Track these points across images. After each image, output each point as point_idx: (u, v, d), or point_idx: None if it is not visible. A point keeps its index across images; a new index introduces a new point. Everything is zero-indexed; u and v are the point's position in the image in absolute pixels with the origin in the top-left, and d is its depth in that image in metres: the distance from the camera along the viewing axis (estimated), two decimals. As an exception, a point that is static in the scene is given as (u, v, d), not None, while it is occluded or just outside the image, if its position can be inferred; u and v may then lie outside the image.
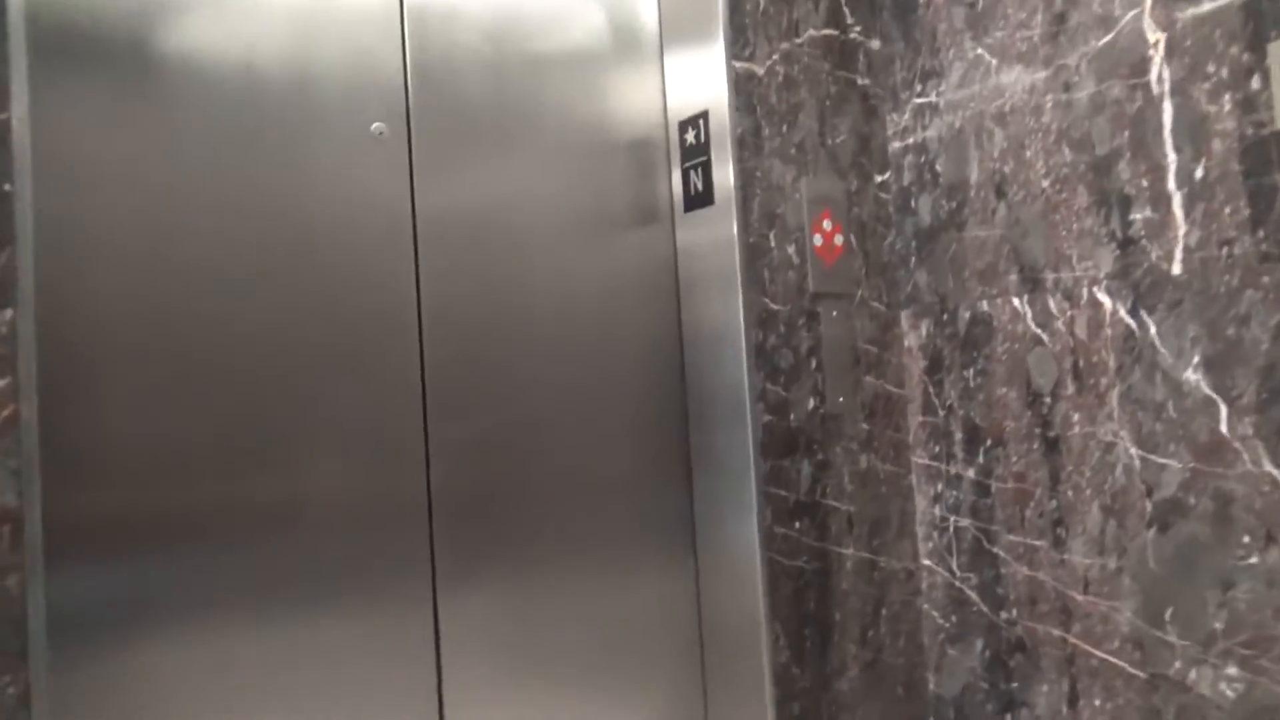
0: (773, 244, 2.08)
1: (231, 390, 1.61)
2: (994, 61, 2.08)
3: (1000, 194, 2.07)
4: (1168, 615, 1.76)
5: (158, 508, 1.52)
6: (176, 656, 1.53)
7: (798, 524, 2.07)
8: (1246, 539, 1.63)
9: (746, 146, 2.05)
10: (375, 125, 1.78)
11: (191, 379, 1.57)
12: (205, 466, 1.58)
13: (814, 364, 2.13)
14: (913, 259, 2.30)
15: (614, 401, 2.06)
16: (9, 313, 1.29)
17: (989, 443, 2.13)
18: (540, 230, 1.99)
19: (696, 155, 2.09)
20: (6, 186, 1.30)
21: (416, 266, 1.82)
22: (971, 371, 2.17)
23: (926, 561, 2.29)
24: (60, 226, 1.43)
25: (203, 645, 1.56)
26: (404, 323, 1.81)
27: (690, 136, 2.10)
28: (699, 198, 2.08)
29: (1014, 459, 2.07)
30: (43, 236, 1.39)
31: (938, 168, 2.22)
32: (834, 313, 2.17)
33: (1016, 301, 2.05)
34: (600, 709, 1.99)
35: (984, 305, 2.14)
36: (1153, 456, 1.78)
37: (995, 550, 2.12)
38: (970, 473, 2.18)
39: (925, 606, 2.30)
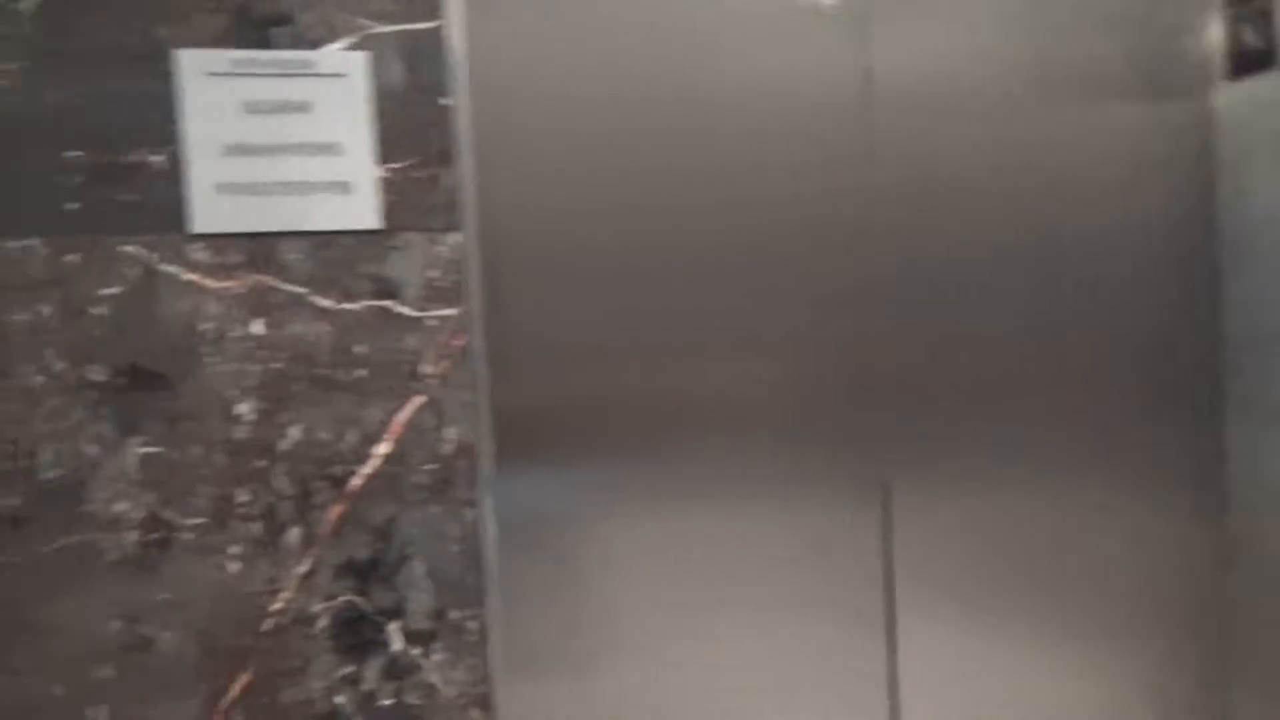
0: (1371, 114, 1.47)
1: (678, 292, 1.46)
2: None
3: None
4: None
5: (605, 425, 1.44)
6: (627, 579, 1.46)
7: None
8: None
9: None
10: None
11: (636, 284, 1.45)
12: (653, 372, 1.46)
13: None
14: None
15: (1106, 316, 1.62)
16: (456, 236, 1.23)
17: None
18: (1014, 102, 1.57)
19: (1252, -3, 1.52)
20: (444, 100, 1.23)
21: (872, 147, 1.53)
22: None
23: None
24: (498, 139, 1.35)
25: (649, 567, 1.47)
26: (859, 213, 1.53)
27: (1244, -29, 1.53)
28: (1254, 58, 1.53)
29: None
30: (483, 152, 1.32)
31: None
32: None
33: None
34: (1075, 654, 1.63)
35: None
36: None
37: None
38: None
39: None
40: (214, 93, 1.22)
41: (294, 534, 1.19)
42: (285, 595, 1.18)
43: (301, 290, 1.20)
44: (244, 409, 1.18)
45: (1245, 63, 1.55)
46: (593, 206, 1.43)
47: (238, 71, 1.23)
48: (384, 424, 1.21)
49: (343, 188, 1.23)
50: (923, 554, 1.58)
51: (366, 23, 1.24)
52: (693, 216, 1.46)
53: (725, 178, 1.48)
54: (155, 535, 1.15)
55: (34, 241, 1.14)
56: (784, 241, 1.51)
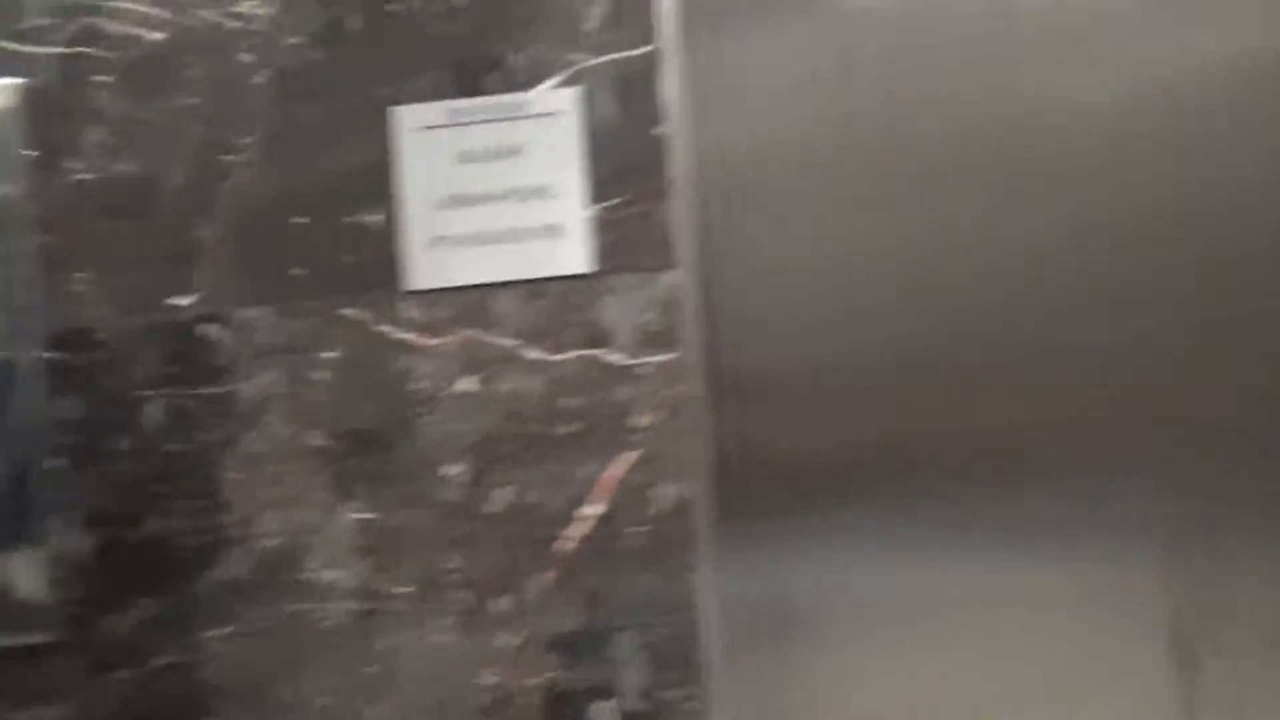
0: None
1: (927, 314, 1.25)
2: None
3: None
4: None
5: (847, 463, 1.25)
6: (878, 647, 1.25)
7: None
8: None
9: None
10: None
11: (881, 306, 1.26)
12: (914, 402, 1.26)
13: None
14: None
15: None
16: (673, 275, 1.13)
17: None
18: None
19: None
20: (657, 130, 1.13)
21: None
22: None
23: None
24: (723, 167, 1.23)
25: (910, 616, 1.25)
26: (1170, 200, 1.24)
27: None
28: None
29: None
30: (705, 182, 1.20)
31: None
32: None
33: None
34: None
35: None
36: None
37: None
38: None
39: None
40: (430, 146, 1.20)
41: (504, 603, 1.12)
42: (494, 670, 1.11)
43: (512, 343, 1.15)
44: (454, 471, 1.14)
45: None
46: (843, 238, 1.27)
47: (453, 122, 1.21)
48: (593, 483, 1.12)
49: (553, 231, 1.17)
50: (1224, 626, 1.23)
51: (577, 57, 1.18)
52: (945, 237, 1.25)
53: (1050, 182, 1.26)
54: (367, 605, 1.13)
55: (264, 309, 1.18)
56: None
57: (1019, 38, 1.28)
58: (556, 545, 1.13)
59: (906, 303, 1.26)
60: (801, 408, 1.26)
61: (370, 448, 1.15)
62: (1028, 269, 1.27)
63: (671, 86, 1.15)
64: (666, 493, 1.12)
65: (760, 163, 1.26)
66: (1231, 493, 1.25)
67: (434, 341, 1.15)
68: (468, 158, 1.20)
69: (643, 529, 1.12)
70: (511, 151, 1.19)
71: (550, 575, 1.12)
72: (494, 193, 1.19)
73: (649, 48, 1.16)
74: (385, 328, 1.16)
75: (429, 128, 1.21)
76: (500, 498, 1.13)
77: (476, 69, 1.19)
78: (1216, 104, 1.25)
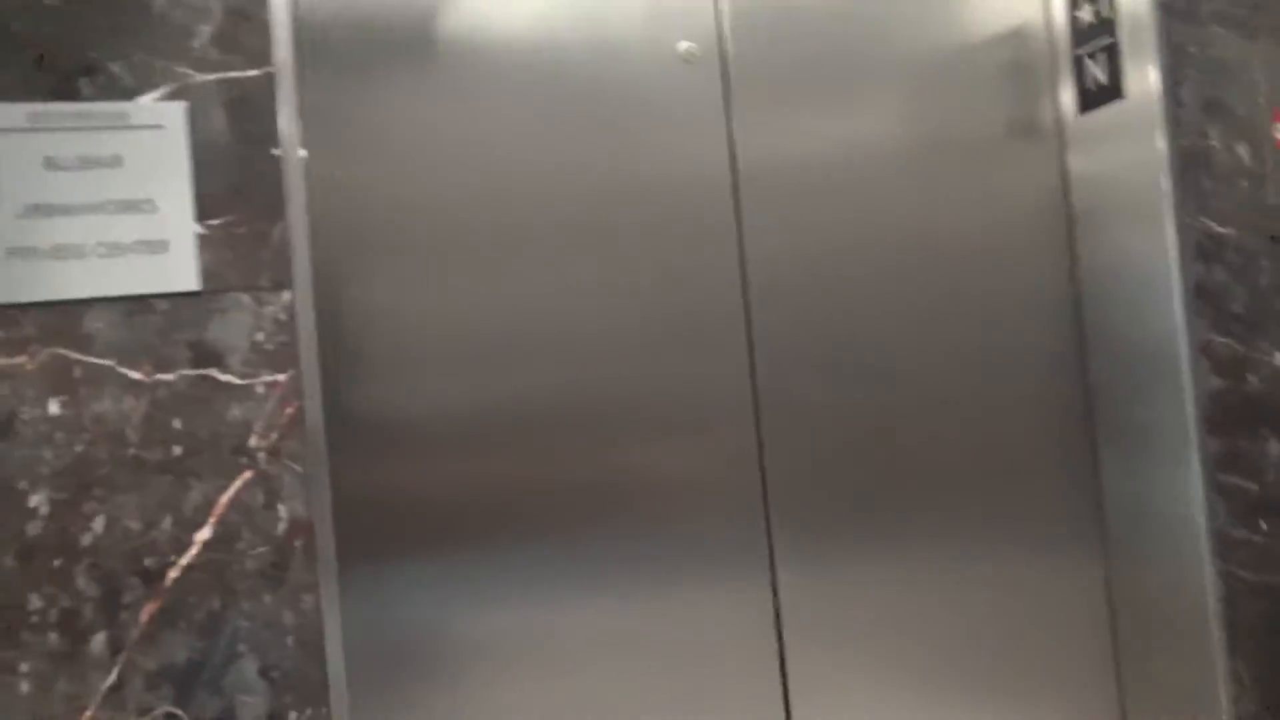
0: (1215, 144, 1.51)
1: (537, 369, 1.39)
2: None
3: None
4: None
5: (462, 503, 1.34)
6: (494, 660, 1.34)
7: (1265, 525, 1.50)
8: None
9: (1175, 11, 1.49)
10: (684, 45, 1.46)
11: (495, 359, 1.37)
12: (514, 452, 1.37)
13: (1281, 305, 1.53)
14: None
15: (984, 365, 1.61)
16: (286, 295, 1.12)
17: None
18: (884, 161, 1.57)
19: (1097, 35, 1.56)
20: (275, 151, 1.13)
21: (738, 213, 1.50)
22: None
23: None
24: (338, 190, 1.27)
25: (522, 652, 1.36)
26: (725, 279, 1.49)
27: (1086, 12, 1.57)
28: (1102, 92, 1.56)
29: None
30: (321, 205, 1.22)
31: None
32: (1309, 233, 1.55)
33: None
34: (975, 715, 1.57)
35: None
36: None
37: None
38: None
39: None
40: (8, 150, 1.10)
41: (98, 641, 1.03)
42: (88, 715, 1.02)
43: (108, 362, 1.07)
44: (37, 501, 1.03)
45: (1094, 97, 1.58)
46: (449, 266, 1.36)
47: (36, 126, 1.11)
48: (206, 506, 1.08)
49: (157, 247, 1.12)
50: (809, 620, 1.51)
51: (186, 71, 1.14)
52: (546, 292, 1.40)
53: (577, 247, 1.43)
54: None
55: None
56: (639, 316, 1.46)
57: (640, 111, 1.46)
58: (163, 574, 1.06)
59: (515, 354, 1.38)
60: (417, 447, 1.32)
61: (-68, 480, 1.00)
62: (626, 329, 1.45)
63: (288, 112, 1.15)
64: (284, 513, 1.11)
65: (377, 198, 1.31)
66: (817, 523, 1.52)
67: (13, 360, 1.04)
68: (54, 165, 1.11)
69: (259, 551, 1.10)
70: (109, 162, 1.13)
71: (154, 606, 1.05)
72: (88, 204, 1.11)
73: (263, 70, 1.16)
74: (-48, 345, 1.03)
75: (5, 130, 1.10)
76: (94, 528, 1.05)
77: (67, 72, 1.11)
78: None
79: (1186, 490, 1.50)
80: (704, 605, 1.46)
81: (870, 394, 1.55)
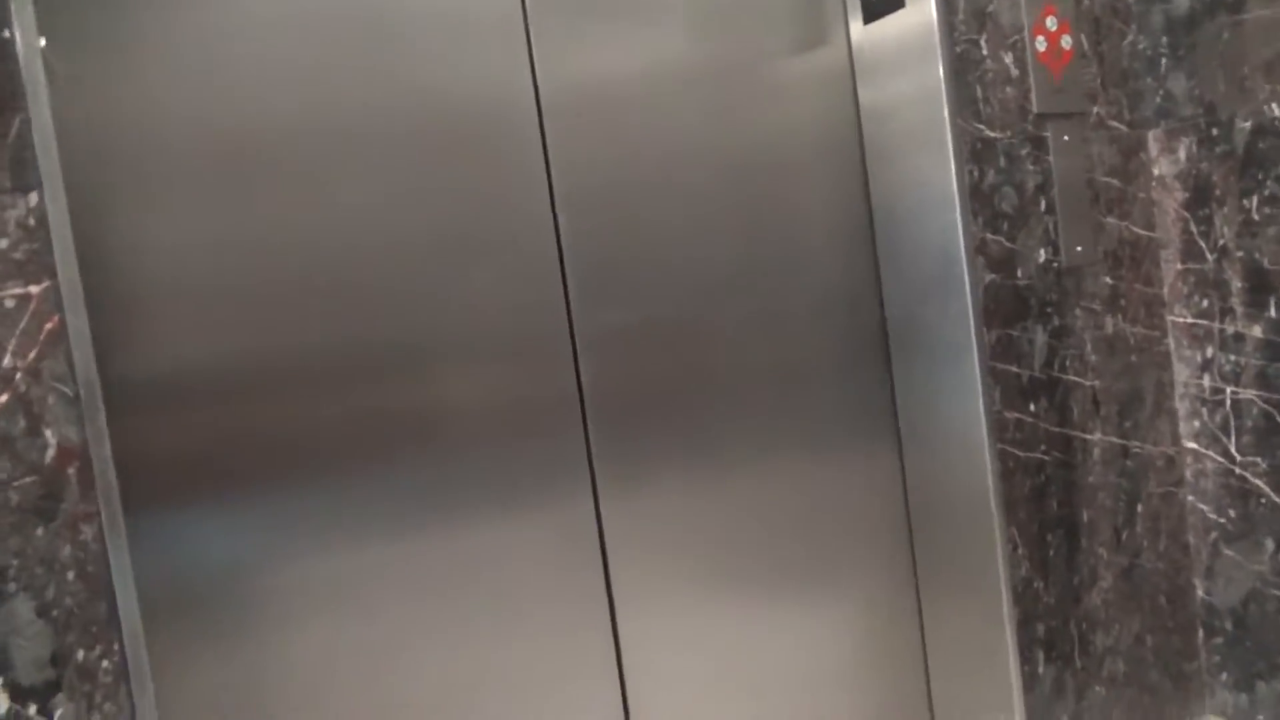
0: (984, 52, 1.61)
1: (341, 291, 1.32)
2: None
3: (1307, -54, 1.53)
4: None
5: (263, 432, 1.26)
6: (305, 604, 1.29)
7: (1033, 406, 1.65)
8: None
9: (947, -78, 1.56)
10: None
11: (292, 284, 1.29)
12: (314, 381, 1.30)
13: (1043, 205, 1.67)
14: (1164, 60, 1.77)
15: (784, 274, 1.67)
16: (34, 197, 1.00)
17: (1290, 288, 1.63)
18: (683, 79, 1.58)
19: (878, -54, 1.62)
20: (5, 34, 1.00)
21: (542, 130, 1.46)
22: (1256, 199, 1.66)
23: (1191, 444, 1.83)
24: (91, 98, 1.14)
25: (336, 587, 1.31)
26: (534, 205, 1.46)
27: (868, -78, 1.63)
28: (883, 3, 1.62)
29: (1330, 306, 1.58)
30: (67, 109, 1.09)
31: (1204, -72, 1.68)
32: (1065, 137, 1.69)
33: (1333, 93, 1.53)
34: (787, 611, 1.67)
35: (1276, 109, 1.61)
36: None
37: (1301, 426, 1.65)
38: (1256, 330, 1.69)
39: (1190, 499, 1.85)
40: None
41: None
42: None
43: None
44: None
45: (876, 6, 1.64)
46: (230, 182, 1.25)
47: None
48: (-46, 433, 0.97)
49: None
50: (633, 536, 1.54)
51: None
52: (350, 214, 1.32)
53: (382, 176, 1.36)
54: None
55: None
56: (449, 241, 1.41)
57: (440, 24, 1.38)
58: (-94, 509, 0.95)
59: (310, 277, 1.30)
60: (201, 377, 1.23)
61: None
62: (430, 250, 1.39)
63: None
64: (50, 438, 1.01)
65: (134, 100, 1.19)
66: (634, 439, 1.53)
67: None
68: None
69: (24, 480, 1.00)
70: None
71: (-100, 545, 0.94)
72: None
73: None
74: None
75: None
76: None
77: None
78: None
79: (967, 380, 1.62)
80: (527, 532, 1.46)
81: (679, 309, 1.58)
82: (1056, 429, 1.68)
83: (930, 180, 1.61)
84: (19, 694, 0.98)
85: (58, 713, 0.99)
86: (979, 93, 1.60)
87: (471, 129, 1.42)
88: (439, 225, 1.39)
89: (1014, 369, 1.64)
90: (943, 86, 1.56)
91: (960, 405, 1.64)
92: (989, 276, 1.61)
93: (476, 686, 1.42)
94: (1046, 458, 1.66)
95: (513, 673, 1.45)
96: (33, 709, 0.98)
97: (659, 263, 1.57)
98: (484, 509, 1.43)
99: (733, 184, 1.62)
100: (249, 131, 1.26)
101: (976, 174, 1.59)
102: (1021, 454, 1.64)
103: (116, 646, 1.03)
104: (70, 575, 1.01)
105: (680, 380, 1.59)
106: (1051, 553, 1.67)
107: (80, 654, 1.01)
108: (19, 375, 0.99)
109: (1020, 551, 1.63)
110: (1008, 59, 1.63)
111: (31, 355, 1.00)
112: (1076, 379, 1.70)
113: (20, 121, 1.00)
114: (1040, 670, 1.65)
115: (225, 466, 1.24)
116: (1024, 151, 1.65)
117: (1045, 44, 1.66)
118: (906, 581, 1.76)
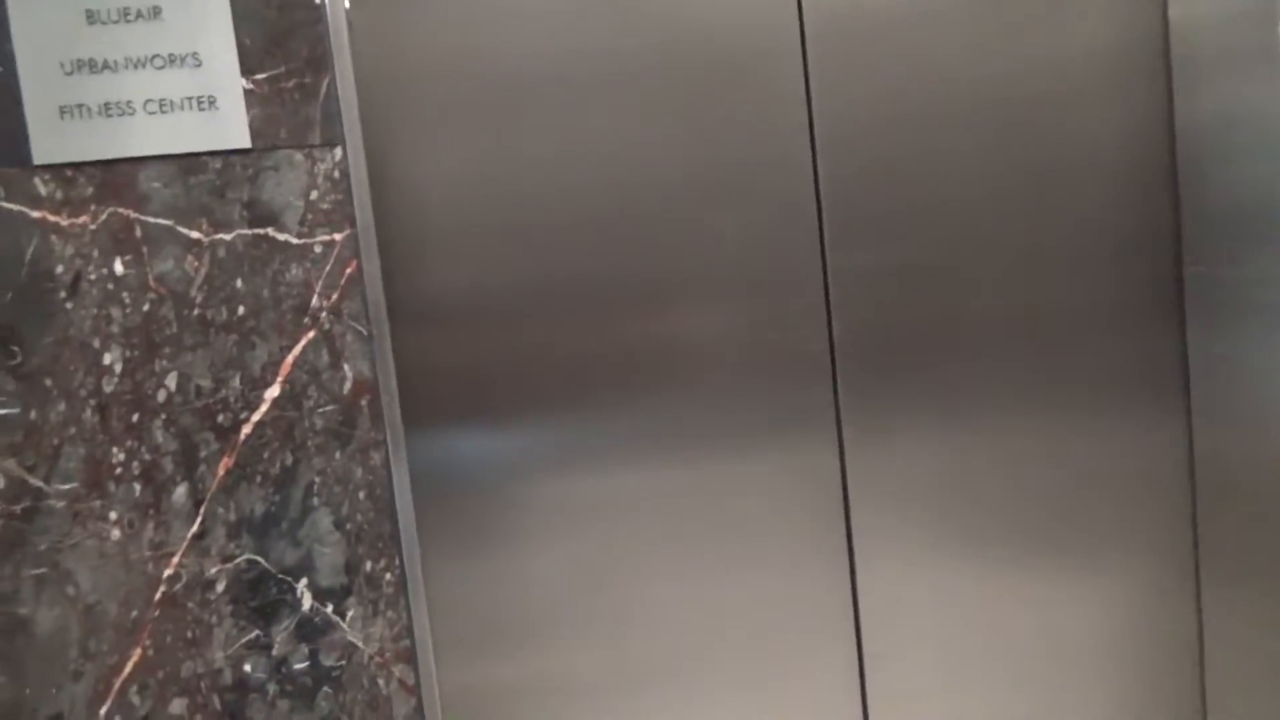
0: (1347, -37, 1.35)
1: (600, 232, 1.35)
2: None
3: None
4: None
5: (525, 364, 1.33)
6: (555, 523, 1.37)
7: (1365, 385, 1.42)
8: None
9: None
10: None
11: (557, 221, 1.33)
12: (576, 316, 1.35)
13: None
14: None
15: (1060, 219, 1.51)
16: (339, 152, 1.09)
17: None
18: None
19: None
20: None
21: (805, 66, 1.40)
22: None
23: None
24: (388, 51, 1.21)
25: (589, 512, 1.38)
26: (793, 139, 1.41)
27: None
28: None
29: None
30: (366, 64, 1.17)
31: None
32: None
33: None
34: (1036, 581, 1.57)
35: None
36: None
37: None
38: None
39: None
40: (45, 2, 1.06)
41: (180, 492, 1.07)
42: (175, 560, 1.07)
43: (166, 222, 1.07)
44: (111, 359, 1.05)
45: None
46: (504, 125, 1.30)
47: (72, -24, 1.07)
48: (272, 365, 1.09)
49: (205, 103, 1.09)
50: (879, 486, 1.50)
51: (220, -88, 1.08)
52: (592, 156, 1.33)
53: (636, 113, 1.35)
54: (21, 505, 1.03)
55: None
56: (703, 178, 1.39)
57: None
58: (236, 429, 1.09)
59: (578, 215, 1.34)
60: (477, 313, 1.31)
61: (4, 338, 1.03)
62: (691, 185, 1.39)
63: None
64: (348, 372, 1.12)
65: (428, 52, 1.25)
66: (884, 384, 1.49)
67: (74, 221, 1.04)
68: (94, 19, 1.08)
69: (327, 409, 1.12)
70: (148, 14, 1.09)
71: (229, 461, 1.09)
72: (131, 59, 1.08)
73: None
74: (15, 206, 1.02)
75: (42, -19, 1.06)
76: (168, 384, 1.07)
77: (99, -83, 1.06)
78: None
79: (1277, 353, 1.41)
80: (770, 469, 1.46)
81: (943, 251, 1.48)
82: (1395, 412, 1.43)
83: (1260, 113, 1.39)
84: (319, 594, 1.12)
85: (349, 614, 1.13)
86: (1334, 13, 1.34)
87: (733, 59, 1.38)
88: (696, 160, 1.38)
89: (1346, 340, 1.41)
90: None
91: (1267, 379, 1.43)
92: (1325, 232, 1.38)
93: (711, 613, 1.46)
94: (1378, 444, 1.43)
95: (746, 607, 1.47)
96: (329, 608, 1.12)
97: (920, 202, 1.47)
98: (734, 443, 1.44)
99: (1007, 115, 1.48)
100: (523, 76, 1.30)
101: (1321, 112, 1.35)
102: (1345, 438, 1.42)
103: (398, 561, 1.15)
104: (361, 495, 1.13)
105: (937, 330, 1.50)
106: (1372, 552, 1.45)
107: (368, 565, 1.14)
108: (324, 314, 1.10)
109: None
110: (1378, -32, 1.35)
111: (334, 296, 1.11)
112: None
113: (329, 82, 1.08)
114: (1343, 681, 1.46)
115: (490, 396, 1.33)
116: (1388, 81, 1.37)
117: None
118: (1184, 566, 1.60)
